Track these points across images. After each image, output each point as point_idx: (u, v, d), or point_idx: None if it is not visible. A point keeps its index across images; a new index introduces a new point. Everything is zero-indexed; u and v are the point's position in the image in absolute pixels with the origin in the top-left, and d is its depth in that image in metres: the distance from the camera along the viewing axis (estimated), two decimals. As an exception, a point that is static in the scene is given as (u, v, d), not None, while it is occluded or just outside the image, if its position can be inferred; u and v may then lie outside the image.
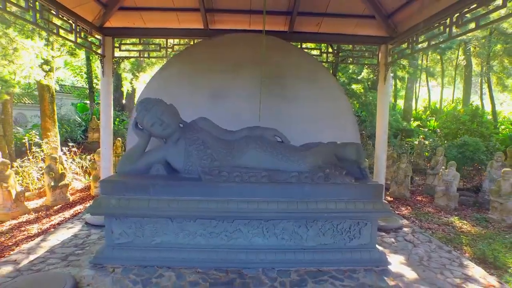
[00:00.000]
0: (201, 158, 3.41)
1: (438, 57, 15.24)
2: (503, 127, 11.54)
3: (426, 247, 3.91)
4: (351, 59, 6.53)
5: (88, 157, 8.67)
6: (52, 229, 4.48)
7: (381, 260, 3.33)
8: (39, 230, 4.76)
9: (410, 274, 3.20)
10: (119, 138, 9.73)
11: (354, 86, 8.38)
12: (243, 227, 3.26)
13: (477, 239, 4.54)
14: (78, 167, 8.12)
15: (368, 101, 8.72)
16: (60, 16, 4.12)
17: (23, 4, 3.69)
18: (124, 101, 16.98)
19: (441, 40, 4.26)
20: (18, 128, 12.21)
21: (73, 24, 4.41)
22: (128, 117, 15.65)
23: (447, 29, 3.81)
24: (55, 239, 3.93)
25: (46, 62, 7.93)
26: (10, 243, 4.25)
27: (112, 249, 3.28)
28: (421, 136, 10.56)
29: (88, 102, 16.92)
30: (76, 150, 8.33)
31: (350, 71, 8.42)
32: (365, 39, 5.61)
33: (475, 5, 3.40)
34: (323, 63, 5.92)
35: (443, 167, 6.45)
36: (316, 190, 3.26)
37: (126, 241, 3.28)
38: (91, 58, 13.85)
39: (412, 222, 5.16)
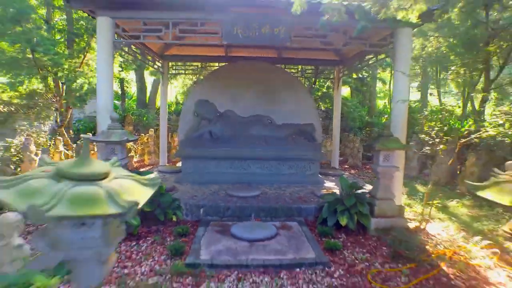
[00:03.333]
0: (229, 130, 6.69)
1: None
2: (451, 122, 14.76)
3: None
4: (323, 74, 9.83)
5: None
6: (139, 175, 7.72)
7: (320, 181, 6.61)
8: (128, 178, 8.03)
9: (334, 187, 6.45)
10: (152, 129, 12.97)
11: (326, 91, 11.69)
12: (251, 163, 6.53)
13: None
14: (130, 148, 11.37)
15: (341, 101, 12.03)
16: (151, 55, 7.40)
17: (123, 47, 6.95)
18: (147, 102, 20.29)
19: (363, 66, 7.49)
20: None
21: (153, 56, 7.70)
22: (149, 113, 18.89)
23: (363, 62, 7.10)
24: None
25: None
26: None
27: (185, 176, 6.54)
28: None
29: (117, 102, 20.24)
30: (129, 136, 11.59)
31: (321, 81, 11.69)
32: (326, 62, 8.89)
33: (372, 54, 6.69)
34: (304, 77, 9.17)
35: (380, 144, 9.71)
36: (289, 146, 6.53)
37: (192, 171, 6.54)
38: (123, 66, 17.11)
39: (353, 175, 8.41)
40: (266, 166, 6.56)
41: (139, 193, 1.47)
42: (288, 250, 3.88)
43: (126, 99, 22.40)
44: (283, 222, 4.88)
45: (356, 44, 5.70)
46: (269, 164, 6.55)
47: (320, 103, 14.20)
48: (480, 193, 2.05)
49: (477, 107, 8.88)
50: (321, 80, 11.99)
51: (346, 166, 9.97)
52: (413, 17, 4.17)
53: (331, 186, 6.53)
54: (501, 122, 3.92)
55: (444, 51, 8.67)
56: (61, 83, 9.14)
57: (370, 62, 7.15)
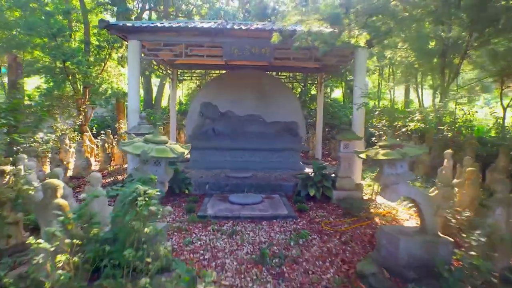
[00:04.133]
0: (229, 127, 8.29)
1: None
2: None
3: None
4: (311, 79, 11.41)
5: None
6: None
7: (301, 167, 8.19)
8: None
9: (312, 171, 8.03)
10: (160, 127, 14.57)
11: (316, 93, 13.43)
12: (246, 153, 8.13)
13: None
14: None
15: (328, 103, 13.66)
16: (162, 65, 9.02)
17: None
18: (153, 102, 21.92)
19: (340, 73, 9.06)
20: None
21: (165, 65, 9.30)
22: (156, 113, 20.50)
23: (339, 70, 8.69)
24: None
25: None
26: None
27: (193, 163, 8.13)
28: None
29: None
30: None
31: (308, 85, 13.36)
32: (310, 70, 10.47)
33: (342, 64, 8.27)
34: (296, 81, 10.75)
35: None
36: (276, 139, 8.12)
37: (198, 159, 8.14)
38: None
39: (333, 165, 9.97)
40: (258, 155, 8.15)
41: (182, 150, 3.09)
42: (269, 210, 5.49)
43: (134, 100, 23.95)
44: (268, 194, 6.47)
45: (327, 58, 7.30)
46: (260, 153, 8.14)
47: (315, 103, 15.84)
48: (359, 155, 3.63)
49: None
50: (308, 85, 13.63)
51: (329, 158, 11.55)
52: (362, 43, 5.76)
53: (310, 171, 8.10)
54: (417, 118, 5.48)
55: (411, 60, 10.26)
56: (83, 87, 10.75)
57: (348, 67, 8.71)
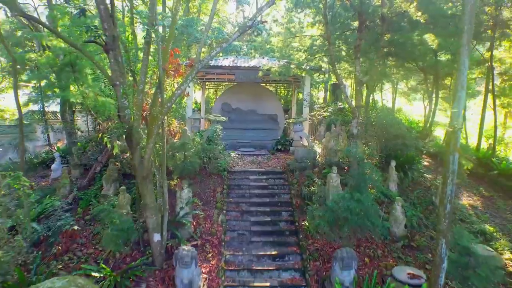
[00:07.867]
0: (238, 116, 14.70)
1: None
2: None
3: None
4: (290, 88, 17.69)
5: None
6: (193, 139, 15.76)
7: (279, 138, 14.57)
8: (186, 141, 16.11)
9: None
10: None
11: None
12: (248, 131, 14.51)
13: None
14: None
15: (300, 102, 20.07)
16: (197, 79, 15.46)
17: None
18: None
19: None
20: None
21: (198, 80, 15.72)
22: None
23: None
24: (199, 138, 15.24)
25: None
26: (184, 141, 15.63)
27: (218, 137, 14.55)
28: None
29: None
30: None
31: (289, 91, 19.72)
32: (287, 82, 16.75)
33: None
34: (282, 88, 17.11)
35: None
36: (265, 123, 14.51)
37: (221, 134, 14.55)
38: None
39: (301, 141, 16.30)
40: (254, 132, 14.45)
41: (225, 119, 9.59)
42: (258, 153, 11.91)
43: (161, 100, 30.44)
44: (258, 149, 12.87)
45: (297, 76, 13.60)
46: (256, 131, 14.44)
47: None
48: (288, 121, 9.83)
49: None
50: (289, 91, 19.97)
51: (302, 138, 17.86)
52: (304, 73, 12.08)
53: (284, 141, 14.46)
54: (328, 110, 11.68)
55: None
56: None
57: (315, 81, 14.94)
